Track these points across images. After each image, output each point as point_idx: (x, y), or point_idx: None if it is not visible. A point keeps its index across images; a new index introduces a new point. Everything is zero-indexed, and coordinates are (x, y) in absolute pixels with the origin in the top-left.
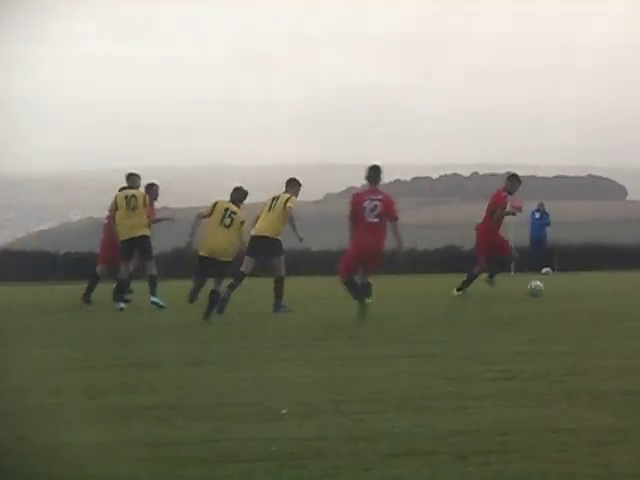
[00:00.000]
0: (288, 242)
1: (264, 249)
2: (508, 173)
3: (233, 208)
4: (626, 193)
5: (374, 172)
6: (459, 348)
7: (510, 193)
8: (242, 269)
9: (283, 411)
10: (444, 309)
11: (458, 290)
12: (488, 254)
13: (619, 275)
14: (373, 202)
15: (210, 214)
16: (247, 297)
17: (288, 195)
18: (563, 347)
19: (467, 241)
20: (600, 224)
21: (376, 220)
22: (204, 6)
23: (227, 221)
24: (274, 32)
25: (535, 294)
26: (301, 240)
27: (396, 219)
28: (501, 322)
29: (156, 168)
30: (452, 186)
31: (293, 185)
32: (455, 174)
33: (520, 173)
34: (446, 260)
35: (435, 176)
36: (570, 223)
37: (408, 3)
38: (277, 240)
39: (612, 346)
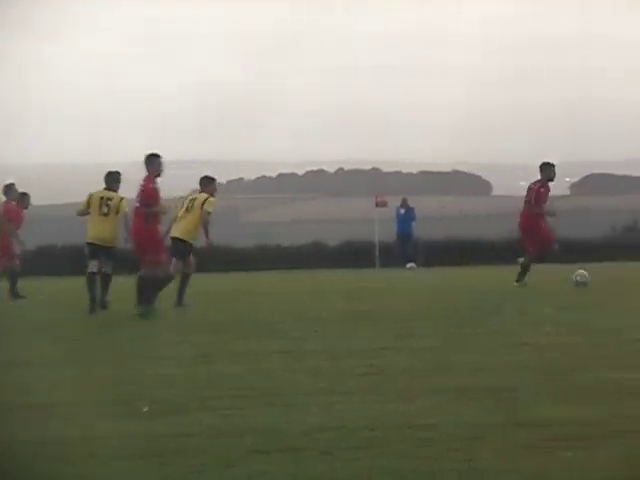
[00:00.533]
0: None
1: (177, 250)
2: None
3: (108, 195)
4: (491, 188)
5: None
6: (331, 344)
7: (550, 180)
8: (171, 270)
9: (144, 409)
10: (313, 305)
11: (517, 282)
12: (535, 244)
13: (483, 270)
14: (140, 189)
15: (87, 207)
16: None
17: (205, 196)
18: (427, 342)
19: (331, 237)
20: (464, 219)
21: (137, 205)
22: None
23: (104, 209)
24: (144, 31)
25: (582, 283)
26: (210, 244)
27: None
28: (368, 317)
29: (33, 165)
30: (318, 182)
31: (207, 184)
32: (321, 170)
33: (384, 169)
34: (312, 256)
35: (301, 172)
36: (434, 218)
37: (279, 3)
38: (190, 245)
39: (476, 342)
